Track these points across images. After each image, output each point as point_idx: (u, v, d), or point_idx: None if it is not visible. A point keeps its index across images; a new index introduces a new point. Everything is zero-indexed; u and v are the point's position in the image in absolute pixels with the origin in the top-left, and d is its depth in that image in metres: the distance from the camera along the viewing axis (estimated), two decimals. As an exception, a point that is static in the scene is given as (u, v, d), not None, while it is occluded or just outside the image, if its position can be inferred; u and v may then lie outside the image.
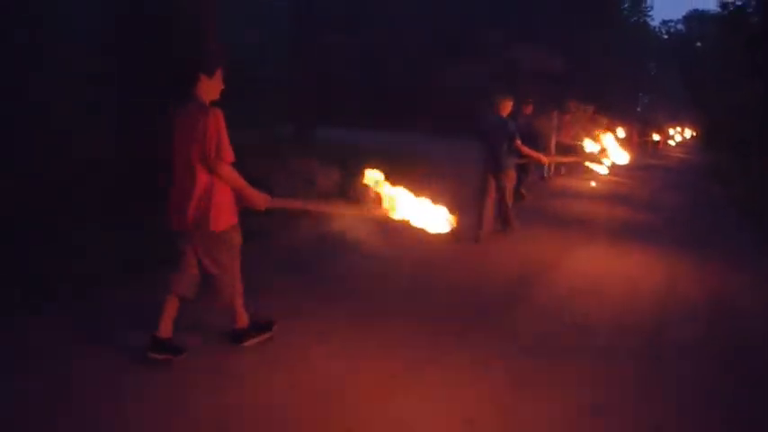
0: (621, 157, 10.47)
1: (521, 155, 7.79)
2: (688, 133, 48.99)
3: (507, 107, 7.30)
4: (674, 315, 5.30)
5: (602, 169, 11.00)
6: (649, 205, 12.23)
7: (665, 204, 12.64)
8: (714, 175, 18.98)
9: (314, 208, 4.34)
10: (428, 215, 3.74)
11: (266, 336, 3.93)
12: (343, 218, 4.36)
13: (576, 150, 12.23)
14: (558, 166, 15.05)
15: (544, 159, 9.66)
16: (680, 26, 64.24)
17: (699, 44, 52.56)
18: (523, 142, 7.59)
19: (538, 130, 10.92)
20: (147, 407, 3.17)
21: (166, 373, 3.50)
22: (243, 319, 3.84)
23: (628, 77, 32.61)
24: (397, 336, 4.29)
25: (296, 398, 3.35)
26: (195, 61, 3.56)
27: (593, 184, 14.24)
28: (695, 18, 58.56)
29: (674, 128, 45.37)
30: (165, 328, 3.61)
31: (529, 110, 10.46)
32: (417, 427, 3.18)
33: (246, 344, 3.82)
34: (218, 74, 3.58)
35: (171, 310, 3.63)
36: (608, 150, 10.52)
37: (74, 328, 4.03)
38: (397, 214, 3.71)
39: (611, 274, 6.43)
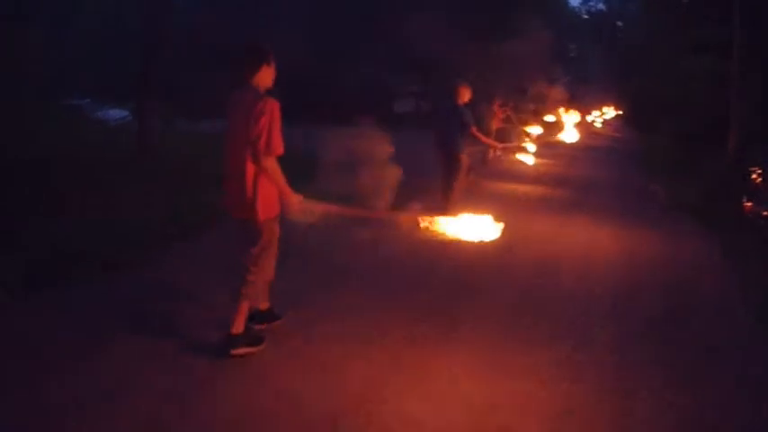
0: (572, 135, 11.70)
1: (474, 140, 8.18)
2: (612, 113, 48.99)
3: (464, 95, 7.60)
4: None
5: (529, 159, 11.68)
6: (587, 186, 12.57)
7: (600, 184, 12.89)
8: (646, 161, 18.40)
9: (347, 212, 4.33)
10: (473, 224, 3.95)
11: (253, 351, 3.77)
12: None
13: (511, 133, 13.78)
14: (492, 150, 15.04)
15: (497, 145, 10.50)
16: (600, 5, 64.27)
17: (620, 23, 52.56)
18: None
19: (477, 116, 10.48)
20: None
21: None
22: (240, 325, 3.74)
23: (545, 59, 31.47)
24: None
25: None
26: (258, 51, 3.66)
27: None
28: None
29: (599, 108, 45.24)
30: (263, 302, 4.12)
31: (466, 96, 10.03)
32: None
33: (234, 352, 3.69)
34: (273, 62, 3.68)
35: (263, 290, 4.03)
36: (564, 125, 11.65)
37: None
38: (438, 224, 3.96)
39: (566, 244, 7.44)
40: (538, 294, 5.53)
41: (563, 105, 24.69)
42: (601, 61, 54.59)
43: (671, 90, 17.50)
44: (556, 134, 15.87)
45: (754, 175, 8.45)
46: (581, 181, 13.54)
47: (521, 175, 12.62)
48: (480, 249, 6.40)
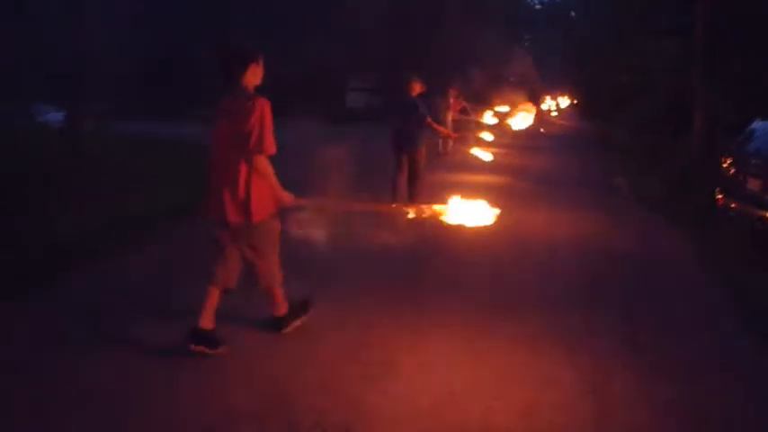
0: (525, 121, 11.41)
1: (431, 132, 8.06)
2: (566, 102, 49.13)
3: (417, 87, 7.62)
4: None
5: (486, 156, 11.50)
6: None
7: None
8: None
9: (339, 207, 4.50)
10: (468, 209, 3.86)
11: (304, 318, 4.01)
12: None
13: (467, 125, 13.46)
14: (446, 142, 15.19)
15: (453, 135, 10.62)
16: (554, -6, 64.56)
17: (573, 13, 52.65)
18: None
19: (432, 107, 10.02)
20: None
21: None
22: (282, 307, 3.91)
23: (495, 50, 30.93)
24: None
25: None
26: (244, 51, 3.64)
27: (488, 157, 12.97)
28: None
29: (554, 97, 45.30)
30: (206, 320, 3.68)
31: (418, 89, 9.76)
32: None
33: (285, 331, 3.89)
34: (261, 60, 3.67)
35: (213, 301, 3.71)
36: (516, 114, 11.29)
37: None
38: (430, 212, 3.92)
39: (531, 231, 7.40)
40: (502, 296, 5.01)
41: (517, 95, 24.38)
42: (555, 51, 54.79)
43: (628, 77, 17.06)
44: (509, 124, 15.39)
45: (725, 165, 7.88)
46: (538, 173, 13.18)
47: (477, 166, 12.17)
48: (439, 244, 6.32)
